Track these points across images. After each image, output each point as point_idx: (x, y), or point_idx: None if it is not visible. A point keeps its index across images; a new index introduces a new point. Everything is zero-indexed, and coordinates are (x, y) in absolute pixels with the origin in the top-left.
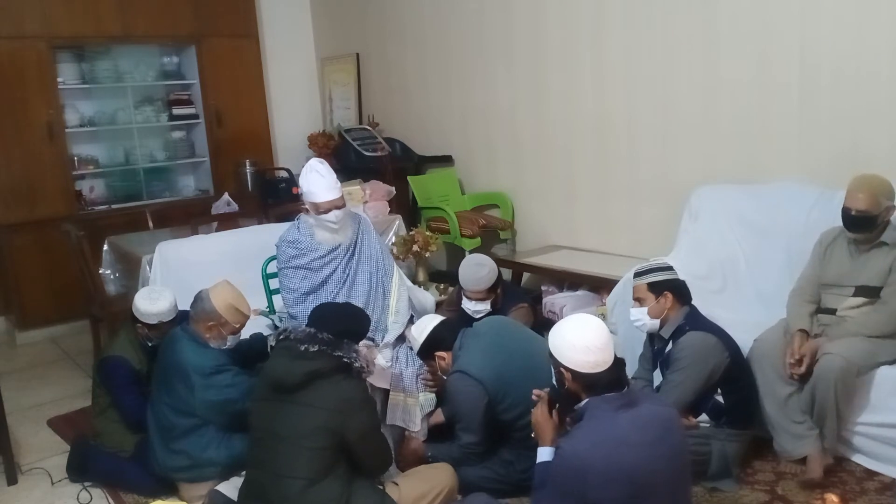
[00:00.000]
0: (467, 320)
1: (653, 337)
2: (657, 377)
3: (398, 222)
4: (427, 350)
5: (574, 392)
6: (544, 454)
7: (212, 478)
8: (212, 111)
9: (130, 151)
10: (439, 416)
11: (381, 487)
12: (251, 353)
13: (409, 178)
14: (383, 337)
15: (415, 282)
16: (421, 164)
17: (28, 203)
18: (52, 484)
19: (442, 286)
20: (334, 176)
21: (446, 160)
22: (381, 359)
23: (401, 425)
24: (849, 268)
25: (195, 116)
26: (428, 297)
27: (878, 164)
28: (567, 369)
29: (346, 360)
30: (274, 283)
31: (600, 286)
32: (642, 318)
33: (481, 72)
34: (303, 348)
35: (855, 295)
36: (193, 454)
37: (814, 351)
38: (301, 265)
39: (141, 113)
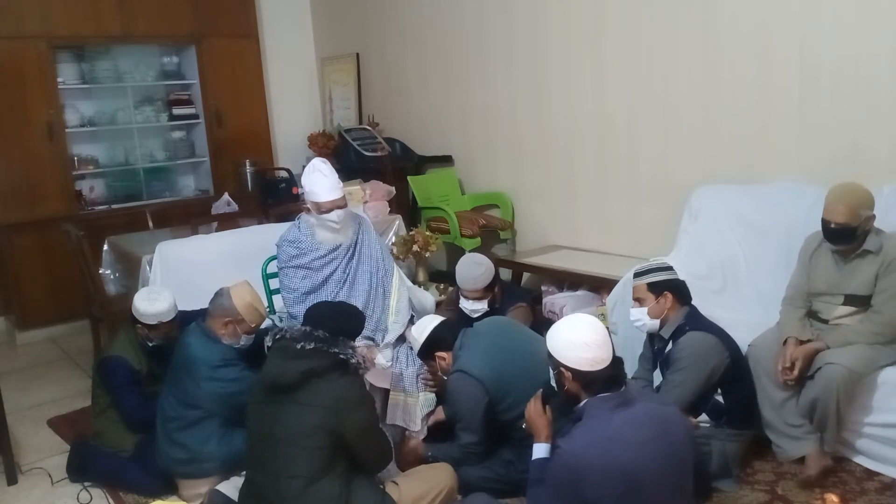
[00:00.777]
0: (467, 320)
1: (653, 337)
2: (657, 377)
3: (398, 222)
4: (427, 350)
5: (574, 393)
6: (540, 450)
7: (210, 474)
8: (212, 111)
9: (130, 151)
10: (440, 414)
11: (380, 487)
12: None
13: (409, 178)
14: (384, 337)
15: (415, 282)
16: (421, 164)
17: (28, 203)
18: (52, 484)
19: (442, 286)
20: (336, 176)
21: (446, 160)
22: (382, 359)
23: (401, 425)
24: (836, 277)
25: (195, 116)
26: (428, 297)
27: (878, 165)
28: (567, 368)
29: (342, 356)
30: (274, 283)
31: (600, 286)
32: (642, 318)
33: (481, 72)
34: (299, 346)
35: (844, 304)
36: (193, 447)
37: (807, 355)
38: (301, 265)
39: (141, 113)
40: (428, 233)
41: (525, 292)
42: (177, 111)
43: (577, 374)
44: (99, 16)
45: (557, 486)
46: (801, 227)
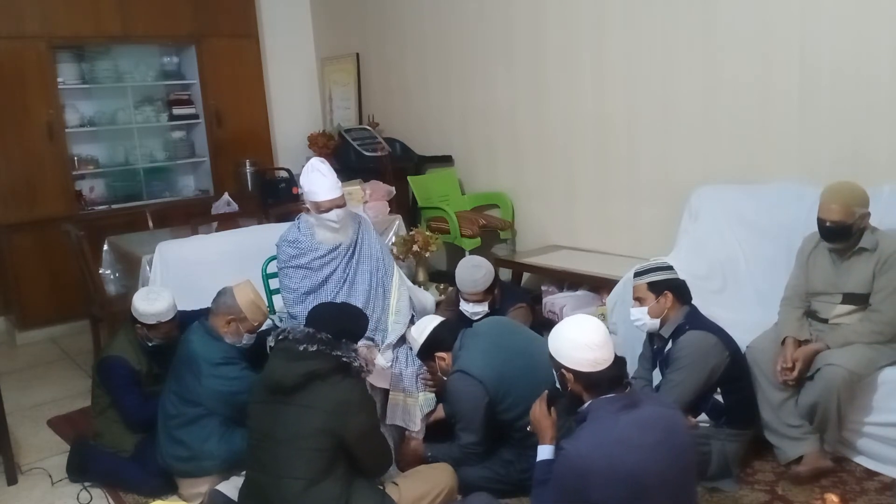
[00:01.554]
0: (466, 321)
1: (653, 336)
2: (657, 377)
3: (398, 222)
4: (427, 351)
5: (577, 394)
6: (544, 452)
7: (210, 472)
8: (212, 111)
9: (130, 151)
10: (440, 412)
11: (380, 488)
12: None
13: (409, 178)
14: (383, 337)
15: (415, 282)
16: (421, 164)
17: (28, 203)
18: (52, 484)
19: (442, 286)
20: (335, 175)
21: (446, 160)
22: (382, 359)
23: (401, 425)
24: (833, 276)
25: (195, 116)
26: (428, 297)
27: (878, 165)
28: (569, 370)
29: (344, 359)
30: (274, 283)
31: (600, 286)
32: (642, 318)
33: (481, 72)
34: (301, 348)
35: (843, 302)
36: (193, 445)
37: (806, 356)
38: (301, 265)
39: (141, 113)
40: (428, 233)
41: (525, 292)
42: (177, 111)
43: (579, 375)
44: (99, 16)
45: (562, 488)
46: (801, 227)
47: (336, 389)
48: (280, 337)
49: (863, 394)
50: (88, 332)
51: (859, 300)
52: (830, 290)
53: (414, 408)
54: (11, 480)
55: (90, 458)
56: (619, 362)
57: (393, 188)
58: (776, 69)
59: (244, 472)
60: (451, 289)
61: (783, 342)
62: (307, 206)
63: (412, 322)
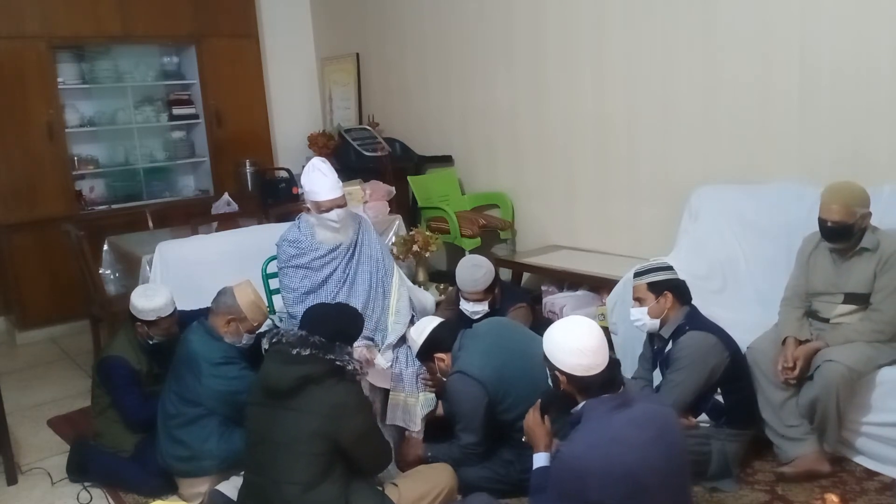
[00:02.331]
0: (466, 321)
1: (653, 337)
2: (657, 377)
3: (398, 222)
4: (426, 351)
5: (570, 394)
6: (540, 460)
7: (209, 472)
8: (212, 111)
9: (130, 151)
10: (440, 409)
11: (380, 489)
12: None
13: (409, 178)
14: (383, 337)
15: (415, 282)
16: (421, 164)
17: (28, 203)
18: (52, 484)
19: (442, 286)
20: (336, 175)
21: (446, 160)
22: (382, 359)
23: (401, 425)
24: (834, 275)
25: (195, 116)
26: (428, 297)
27: (878, 165)
28: (561, 373)
29: (338, 363)
30: (274, 283)
31: (600, 286)
32: (642, 318)
33: (481, 72)
34: (294, 352)
35: (844, 302)
36: (193, 445)
37: (807, 354)
38: (301, 264)
39: (141, 113)
40: (428, 233)
41: (525, 292)
42: (177, 111)
43: (572, 378)
44: (99, 16)
45: (560, 490)
46: (801, 227)
47: (331, 393)
48: (273, 340)
49: (862, 393)
50: (88, 332)
51: (860, 300)
52: (831, 290)
53: (414, 408)
54: (11, 480)
55: (90, 458)
56: (612, 365)
57: (393, 188)
58: (776, 69)
59: (244, 473)
60: (451, 289)
61: (784, 342)
62: (308, 205)
63: (412, 322)
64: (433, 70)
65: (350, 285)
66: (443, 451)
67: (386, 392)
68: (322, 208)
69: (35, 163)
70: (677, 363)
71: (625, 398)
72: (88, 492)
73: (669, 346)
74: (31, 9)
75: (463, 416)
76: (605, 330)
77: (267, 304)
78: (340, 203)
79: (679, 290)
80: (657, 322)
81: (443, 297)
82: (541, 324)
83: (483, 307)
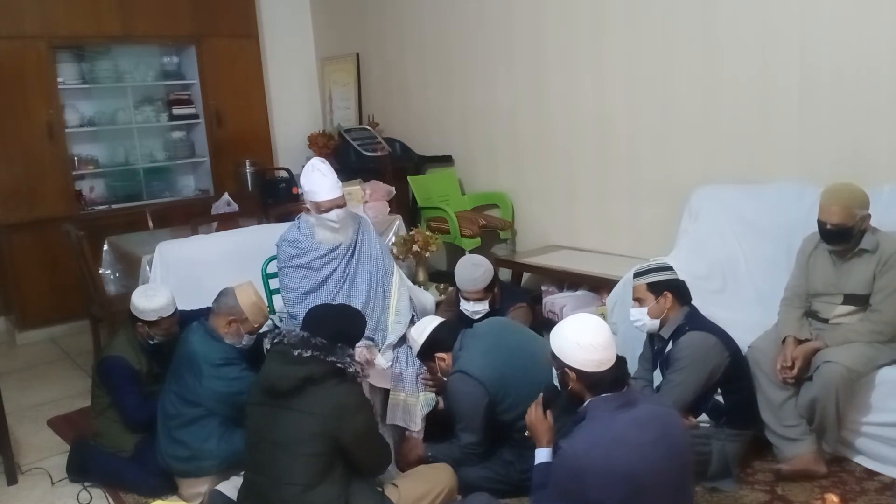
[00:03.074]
0: (466, 321)
1: (653, 337)
2: (657, 377)
3: (398, 222)
4: (427, 351)
5: (577, 392)
6: (542, 455)
7: (209, 472)
8: (212, 111)
9: (130, 151)
10: (442, 404)
11: (379, 489)
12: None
13: (409, 178)
14: (384, 337)
15: (415, 282)
16: (421, 164)
17: (28, 203)
18: (52, 484)
19: (442, 286)
20: (335, 175)
21: (446, 160)
22: (382, 359)
23: (401, 425)
24: (834, 276)
25: (195, 116)
26: (428, 298)
27: (878, 165)
28: (572, 369)
29: (339, 364)
30: (274, 283)
31: (600, 286)
32: (642, 318)
33: (481, 72)
34: (296, 353)
35: (844, 303)
36: (193, 445)
37: (806, 354)
38: (301, 264)
39: (141, 113)
40: (428, 233)
41: (525, 292)
42: (177, 111)
43: (582, 374)
44: (99, 16)
45: (560, 488)
46: (801, 227)
47: (332, 394)
48: (275, 340)
49: (862, 393)
50: (88, 332)
51: (860, 301)
52: (831, 290)
53: (414, 408)
54: (11, 480)
55: (90, 458)
56: (620, 362)
57: (393, 188)
58: (776, 69)
59: (244, 473)
60: (451, 289)
61: (783, 341)
62: (307, 205)
63: (412, 322)
64: (433, 70)
65: (350, 285)
66: (443, 451)
67: (386, 392)
68: (322, 208)
69: (35, 163)
70: (677, 363)
71: (629, 398)
72: (88, 492)
73: (669, 346)
74: (31, 9)
75: (463, 415)
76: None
77: (268, 305)
78: (340, 203)
79: (679, 291)
80: (657, 322)
81: (443, 297)
82: (541, 324)
83: (483, 307)
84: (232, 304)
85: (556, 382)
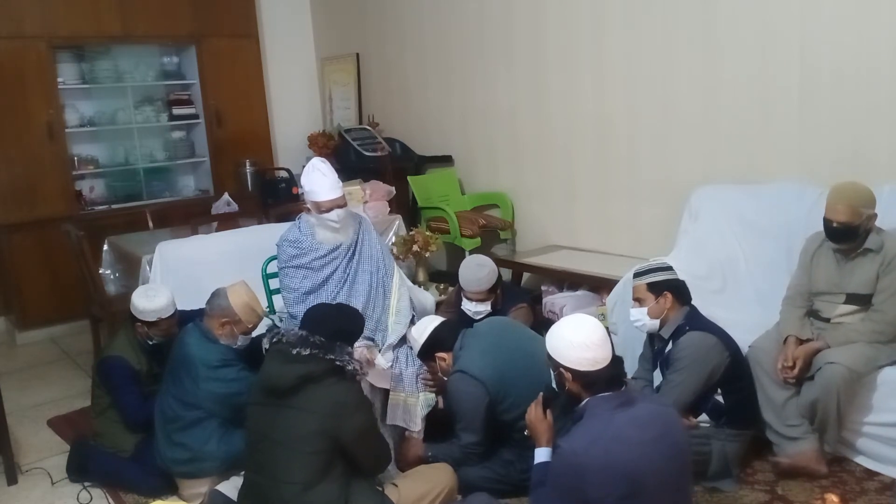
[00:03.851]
0: (467, 321)
1: (653, 337)
2: (657, 377)
3: (398, 222)
4: (427, 351)
5: (575, 393)
6: (542, 455)
7: (210, 473)
8: (212, 111)
9: (130, 151)
10: (441, 403)
11: (379, 489)
12: (252, 352)
13: (409, 178)
14: (384, 337)
15: (415, 282)
16: (421, 164)
17: (28, 203)
18: (52, 484)
19: (442, 286)
20: (336, 175)
21: (446, 160)
22: (382, 359)
23: (401, 425)
24: (837, 275)
25: (195, 116)
26: (428, 298)
27: (878, 164)
28: (567, 369)
29: (338, 362)
30: (274, 283)
31: (600, 286)
32: (642, 319)
33: (481, 72)
34: (295, 352)
35: (846, 302)
36: (194, 447)
37: (807, 354)
38: (302, 265)
39: (141, 113)
40: (428, 233)
41: (525, 292)
42: (177, 111)
43: (576, 374)
44: (99, 16)
45: (559, 487)
46: (801, 227)
47: (331, 392)
48: (274, 339)
49: (863, 393)
50: (88, 332)
51: (862, 300)
52: (833, 289)
53: (414, 408)
54: (11, 480)
55: (90, 458)
56: (616, 362)
57: (393, 188)
58: (776, 69)
59: (244, 473)
60: (451, 289)
61: (785, 341)
62: (308, 205)
63: (412, 323)
64: (433, 70)
65: (350, 285)
66: (443, 450)
67: (386, 392)
68: (322, 208)
69: (35, 163)
70: (677, 363)
71: (628, 397)
72: (88, 492)
73: (669, 346)
74: (31, 9)
75: (463, 415)
76: (605, 330)
77: (265, 305)
78: (340, 203)
79: (679, 291)
80: (657, 322)
81: (443, 297)
82: (541, 324)
83: (485, 307)
84: (224, 306)
85: (553, 384)
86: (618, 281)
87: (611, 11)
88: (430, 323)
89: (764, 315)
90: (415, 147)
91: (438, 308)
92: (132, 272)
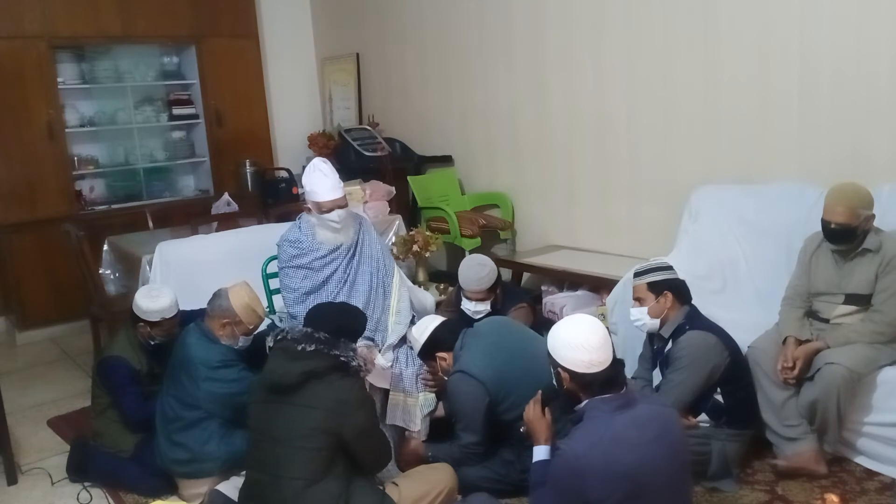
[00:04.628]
0: (467, 321)
1: (653, 337)
2: (657, 376)
3: (398, 222)
4: (428, 351)
5: (573, 393)
6: (540, 453)
7: (210, 474)
8: (212, 111)
9: (130, 151)
10: (441, 411)
11: (380, 488)
12: (254, 351)
13: (409, 178)
14: (384, 337)
15: (415, 282)
16: (421, 164)
17: (28, 203)
18: (52, 484)
19: (442, 286)
20: (337, 175)
21: (446, 160)
22: (382, 359)
23: (401, 425)
24: (836, 276)
25: (195, 116)
26: (428, 297)
27: (878, 165)
28: (565, 369)
29: (343, 358)
30: (274, 283)
31: (600, 286)
32: (642, 318)
33: (481, 72)
34: (299, 348)
35: (845, 303)
36: (194, 447)
37: (807, 355)
38: (302, 265)
39: (141, 113)
40: (428, 233)
41: (525, 292)
42: (177, 111)
43: (574, 375)
44: (99, 16)
45: (559, 488)
46: (801, 227)
47: (334, 388)
48: (279, 337)
49: (863, 393)
50: (88, 332)
51: (861, 301)
52: (833, 290)
53: (414, 408)
54: (11, 480)
55: (90, 458)
56: (616, 364)
57: (393, 188)
58: (776, 69)
59: (244, 473)
60: (451, 289)
61: (784, 341)
62: (308, 205)
63: (412, 323)
64: (433, 70)
65: (350, 285)
66: (443, 450)
67: (386, 392)
68: (323, 209)
69: (35, 163)
70: (677, 363)
71: (627, 398)
72: (88, 492)
73: (669, 345)
74: (31, 9)
75: (464, 415)
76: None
77: (266, 305)
78: (341, 203)
79: (679, 290)
80: (657, 322)
81: (443, 297)
82: (541, 324)
83: (485, 307)
84: (225, 307)
85: (554, 383)
86: (618, 281)
87: (611, 11)
88: (431, 323)
89: (764, 315)
90: (415, 147)
91: (438, 308)
92: (132, 272)
